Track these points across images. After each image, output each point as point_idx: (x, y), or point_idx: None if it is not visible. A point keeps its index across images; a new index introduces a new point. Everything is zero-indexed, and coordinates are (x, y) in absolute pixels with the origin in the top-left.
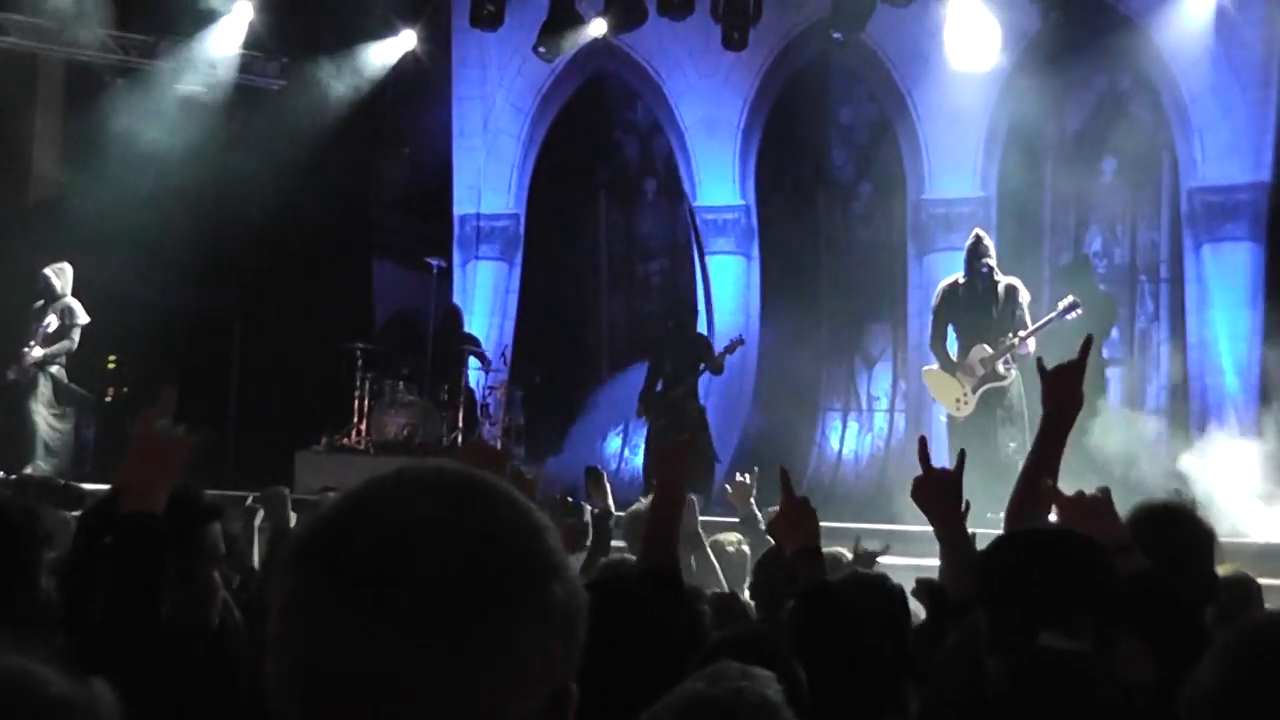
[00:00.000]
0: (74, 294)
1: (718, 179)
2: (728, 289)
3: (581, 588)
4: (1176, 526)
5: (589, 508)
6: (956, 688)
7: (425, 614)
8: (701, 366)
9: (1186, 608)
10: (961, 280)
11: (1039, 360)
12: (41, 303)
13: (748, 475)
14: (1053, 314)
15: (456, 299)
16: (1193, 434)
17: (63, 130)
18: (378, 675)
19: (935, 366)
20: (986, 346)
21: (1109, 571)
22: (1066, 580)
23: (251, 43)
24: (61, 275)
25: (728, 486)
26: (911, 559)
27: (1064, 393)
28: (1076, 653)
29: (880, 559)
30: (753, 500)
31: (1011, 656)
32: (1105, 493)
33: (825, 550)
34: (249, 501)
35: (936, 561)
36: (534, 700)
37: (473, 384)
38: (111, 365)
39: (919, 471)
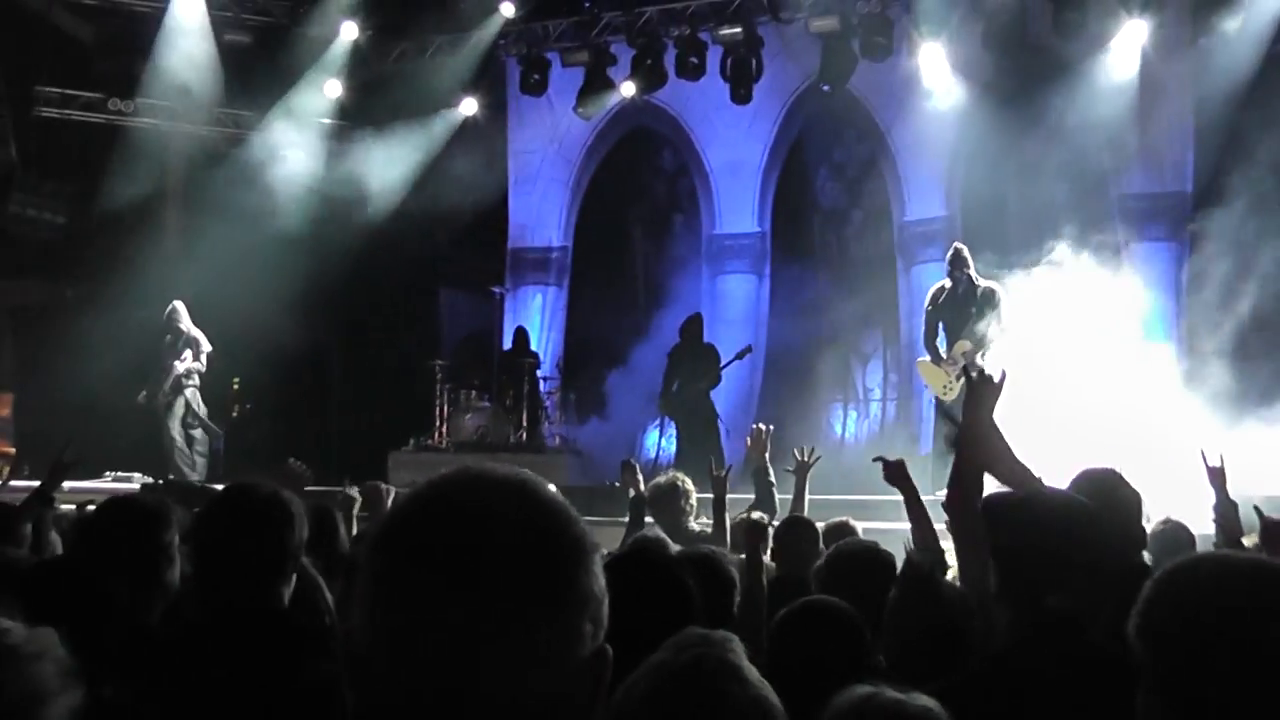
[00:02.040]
0: (199, 327)
1: (738, 211)
2: (740, 303)
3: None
4: (1112, 491)
5: (629, 490)
6: (911, 633)
7: (499, 584)
8: (707, 381)
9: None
10: (947, 285)
11: (965, 370)
12: (170, 337)
13: (764, 427)
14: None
15: (512, 319)
16: None
17: (186, 191)
18: (456, 633)
19: (927, 358)
20: (968, 342)
21: (1108, 540)
22: (1073, 547)
23: (339, 113)
24: (182, 311)
25: (748, 438)
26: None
27: (972, 414)
28: (1077, 613)
29: (868, 524)
30: (767, 455)
31: (1019, 612)
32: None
33: (832, 520)
34: (345, 490)
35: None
36: (583, 653)
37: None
38: (235, 387)
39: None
